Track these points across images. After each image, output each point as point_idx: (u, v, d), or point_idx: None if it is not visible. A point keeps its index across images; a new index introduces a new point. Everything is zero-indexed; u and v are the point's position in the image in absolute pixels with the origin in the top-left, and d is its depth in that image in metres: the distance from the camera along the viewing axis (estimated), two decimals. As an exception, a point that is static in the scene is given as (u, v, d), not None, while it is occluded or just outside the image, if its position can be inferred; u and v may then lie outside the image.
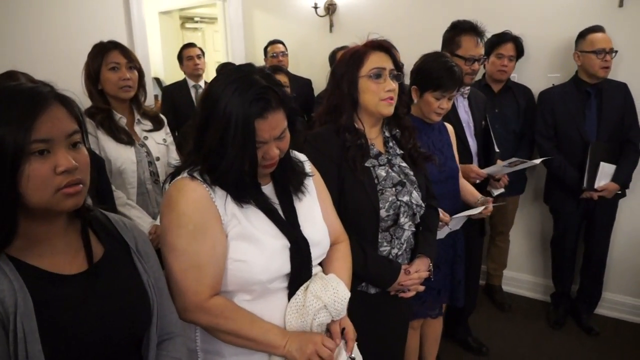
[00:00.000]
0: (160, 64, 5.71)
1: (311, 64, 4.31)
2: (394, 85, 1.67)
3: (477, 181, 2.57)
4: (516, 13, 3.29)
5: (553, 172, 3.04)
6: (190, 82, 4.09)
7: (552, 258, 3.30)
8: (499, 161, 2.72)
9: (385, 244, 1.73)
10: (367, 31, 3.81)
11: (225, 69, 3.95)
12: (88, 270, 1.03)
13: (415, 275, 1.74)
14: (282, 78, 3.22)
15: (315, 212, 1.44)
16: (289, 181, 1.39)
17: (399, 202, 1.69)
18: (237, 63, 4.32)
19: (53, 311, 0.94)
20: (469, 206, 2.28)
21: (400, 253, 1.76)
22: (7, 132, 0.88)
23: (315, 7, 4.17)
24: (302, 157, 1.50)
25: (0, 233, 0.91)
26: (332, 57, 3.74)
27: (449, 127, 2.28)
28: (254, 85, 1.21)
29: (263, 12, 4.63)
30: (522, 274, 3.63)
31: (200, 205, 1.24)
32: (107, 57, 2.13)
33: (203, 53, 4.19)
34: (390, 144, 1.78)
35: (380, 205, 1.67)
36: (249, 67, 1.30)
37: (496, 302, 3.49)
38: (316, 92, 4.13)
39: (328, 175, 1.56)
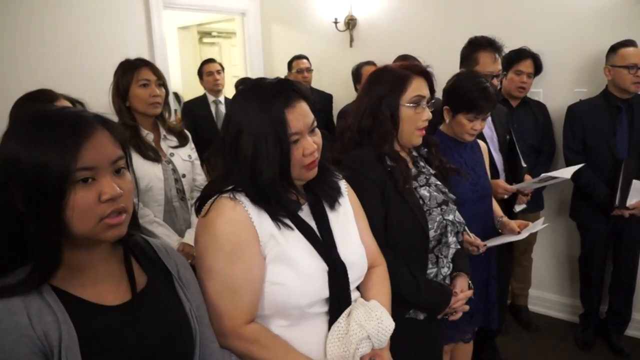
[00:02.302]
0: (178, 79, 5.73)
1: (332, 79, 4.30)
2: (430, 114, 1.64)
3: (505, 197, 2.52)
4: (539, 27, 3.25)
5: (582, 188, 2.97)
6: (210, 98, 4.09)
7: (580, 277, 3.22)
8: (527, 177, 2.67)
9: (431, 265, 1.68)
10: (387, 46, 3.83)
11: (243, 84, 3.96)
12: (132, 300, 0.99)
13: (462, 295, 1.70)
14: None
15: (351, 232, 1.40)
16: (325, 192, 1.35)
17: (445, 222, 1.66)
18: (255, 76, 4.36)
19: (97, 343, 0.90)
20: None
21: (448, 273, 1.71)
22: (51, 159, 0.85)
23: (336, 22, 4.16)
24: (337, 173, 1.46)
25: (45, 263, 0.89)
26: (356, 72, 3.72)
27: (482, 144, 2.24)
28: (269, 84, 1.23)
29: (282, 26, 4.64)
30: (548, 293, 3.55)
31: (238, 226, 1.21)
32: (137, 74, 2.13)
33: (223, 68, 4.19)
34: (421, 163, 1.75)
35: (429, 226, 1.63)
36: (256, 78, 1.32)
37: (522, 322, 3.41)
38: (336, 106, 4.12)
39: (372, 199, 1.53)
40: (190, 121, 3.92)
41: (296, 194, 1.28)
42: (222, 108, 4.07)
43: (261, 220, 1.23)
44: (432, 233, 1.63)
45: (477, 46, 2.52)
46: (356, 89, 3.88)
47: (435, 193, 1.69)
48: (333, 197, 1.37)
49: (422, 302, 1.63)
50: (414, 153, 1.75)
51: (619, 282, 3.06)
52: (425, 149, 1.76)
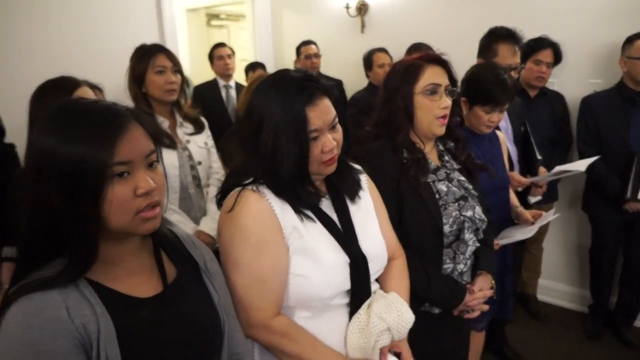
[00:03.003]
0: (187, 62, 5.69)
1: (342, 65, 4.27)
2: (449, 102, 1.61)
3: (519, 189, 2.51)
4: (556, 16, 3.21)
5: (594, 180, 2.96)
6: (221, 82, 4.07)
7: (590, 268, 3.22)
8: (542, 169, 2.66)
9: (448, 261, 1.67)
10: (399, 32, 3.79)
11: (253, 68, 3.91)
12: (163, 292, 1.00)
13: (479, 294, 1.69)
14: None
15: (372, 225, 1.41)
16: (345, 185, 1.36)
17: (462, 218, 1.64)
18: (265, 62, 4.34)
19: (133, 336, 0.91)
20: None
21: (465, 270, 1.70)
22: (88, 154, 0.85)
23: (347, 7, 4.12)
24: (358, 167, 1.47)
25: (82, 257, 0.89)
26: (368, 58, 3.69)
27: (501, 135, 2.22)
28: (293, 80, 1.22)
29: (292, 11, 4.59)
30: (557, 283, 3.56)
31: (263, 218, 1.22)
32: (153, 60, 2.12)
33: (233, 52, 4.16)
34: (446, 157, 1.73)
35: (444, 221, 1.62)
36: (282, 70, 1.30)
37: (531, 311, 3.43)
38: (347, 93, 4.09)
39: (386, 193, 1.52)
40: (201, 106, 3.89)
41: (314, 188, 1.29)
42: (233, 93, 4.05)
43: (284, 212, 1.24)
44: (447, 228, 1.62)
45: (497, 37, 2.48)
46: (367, 76, 3.86)
47: (454, 188, 1.67)
48: (354, 190, 1.38)
49: (433, 297, 1.62)
50: (441, 147, 1.74)
51: (629, 274, 3.06)
52: (452, 143, 1.74)
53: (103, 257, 0.93)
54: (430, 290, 1.59)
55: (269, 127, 1.19)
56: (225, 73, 4.05)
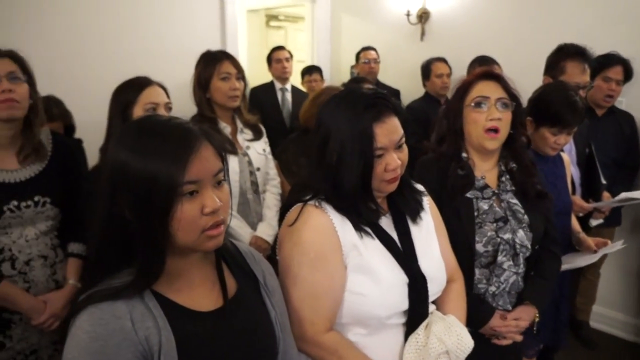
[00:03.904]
0: (245, 62, 5.77)
1: (398, 73, 4.23)
2: (499, 114, 1.59)
3: (580, 215, 2.42)
4: (627, 32, 3.07)
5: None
6: (278, 85, 4.11)
7: (649, 298, 3.08)
8: (606, 195, 2.56)
9: (484, 281, 1.65)
10: (460, 43, 3.73)
11: (310, 72, 3.92)
12: (224, 307, 1.02)
13: (512, 322, 1.64)
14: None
15: (432, 246, 1.40)
16: (407, 205, 1.36)
17: (498, 239, 1.61)
18: (322, 65, 4.36)
19: (193, 350, 0.94)
20: None
21: (498, 292, 1.66)
22: (161, 171, 0.87)
23: (408, 15, 4.08)
24: (420, 187, 1.46)
25: (150, 270, 0.92)
26: (426, 67, 3.65)
27: (565, 157, 2.15)
28: (363, 96, 1.23)
29: (352, 16, 4.59)
30: (612, 310, 3.41)
31: (322, 234, 1.24)
32: (219, 67, 2.17)
33: (291, 56, 4.19)
34: (503, 178, 1.69)
35: (477, 239, 1.60)
36: (353, 86, 1.31)
37: (582, 339, 3.30)
38: (403, 102, 4.05)
39: None
40: (257, 108, 3.95)
41: (375, 205, 1.29)
42: (289, 96, 4.09)
43: (344, 229, 1.25)
44: (480, 247, 1.60)
45: (565, 54, 2.40)
46: (424, 85, 3.81)
47: (496, 208, 1.64)
48: (415, 210, 1.38)
49: None
50: (502, 167, 1.71)
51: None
52: (515, 165, 1.70)
53: (167, 269, 0.96)
54: None
55: (336, 140, 1.21)
56: (283, 76, 4.09)
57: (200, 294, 1.01)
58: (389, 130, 1.22)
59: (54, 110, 2.50)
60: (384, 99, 1.24)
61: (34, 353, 1.70)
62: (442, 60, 3.71)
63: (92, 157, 2.51)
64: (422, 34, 4.10)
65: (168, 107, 1.80)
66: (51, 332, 1.70)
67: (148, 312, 0.91)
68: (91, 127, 2.67)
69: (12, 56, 1.65)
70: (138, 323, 0.89)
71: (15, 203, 1.64)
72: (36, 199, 1.69)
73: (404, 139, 1.26)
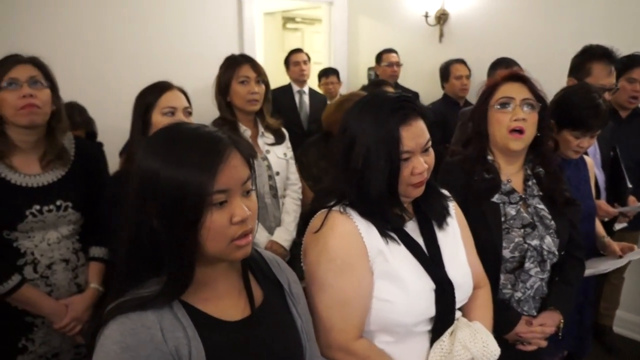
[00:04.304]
0: (262, 65, 5.79)
1: (417, 75, 4.21)
2: (524, 114, 1.57)
3: (605, 219, 2.37)
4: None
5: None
6: (295, 88, 4.11)
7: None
8: (632, 199, 2.50)
9: (509, 286, 1.62)
10: (480, 44, 3.69)
11: (327, 74, 3.91)
12: (251, 316, 1.01)
13: (538, 329, 1.62)
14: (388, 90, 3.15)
15: (459, 252, 1.38)
16: (433, 210, 1.34)
17: (526, 245, 1.58)
18: (339, 67, 4.35)
19: (220, 359, 0.93)
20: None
21: (523, 298, 1.64)
22: (190, 180, 0.87)
23: (426, 16, 4.05)
24: (445, 192, 1.44)
25: (179, 280, 0.91)
26: (445, 69, 3.62)
27: (589, 160, 2.10)
28: (388, 99, 1.23)
29: (369, 18, 4.57)
30: (636, 315, 3.34)
31: (349, 240, 1.22)
32: (238, 70, 2.17)
33: (309, 59, 4.19)
34: (530, 182, 1.67)
35: (504, 245, 1.57)
36: (378, 90, 1.30)
37: (604, 344, 3.23)
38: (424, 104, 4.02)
39: None
40: (275, 110, 3.96)
41: (401, 210, 1.28)
42: (306, 98, 4.08)
43: (370, 235, 1.23)
44: (507, 253, 1.57)
45: (591, 56, 2.36)
46: (443, 87, 3.78)
47: (524, 214, 1.61)
48: (441, 216, 1.36)
49: None
50: (528, 171, 1.68)
51: None
52: (541, 169, 1.67)
53: (195, 278, 0.94)
54: None
55: (361, 144, 1.20)
56: (301, 79, 4.09)
57: (227, 303, 1.00)
58: (416, 134, 1.20)
59: (77, 118, 2.53)
60: (409, 102, 1.23)
61: (56, 357, 1.72)
62: (462, 61, 3.67)
63: (112, 162, 2.54)
64: (441, 35, 4.07)
65: (187, 111, 1.79)
66: (72, 336, 1.72)
67: (177, 322, 0.90)
68: (111, 132, 2.72)
69: (34, 62, 1.67)
70: (168, 333, 0.88)
71: (38, 207, 1.66)
72: (58, 203, 1.70)
73: (430, 143, 1.25)
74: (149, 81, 1.82)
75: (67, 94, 1.93)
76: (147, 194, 0.89)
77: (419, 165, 1.21)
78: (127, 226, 0.93)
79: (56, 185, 1.71)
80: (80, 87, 2.73)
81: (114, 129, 2.73)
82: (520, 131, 1.57)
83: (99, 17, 3.21)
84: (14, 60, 1.63)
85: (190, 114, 1.80)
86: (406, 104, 1.21)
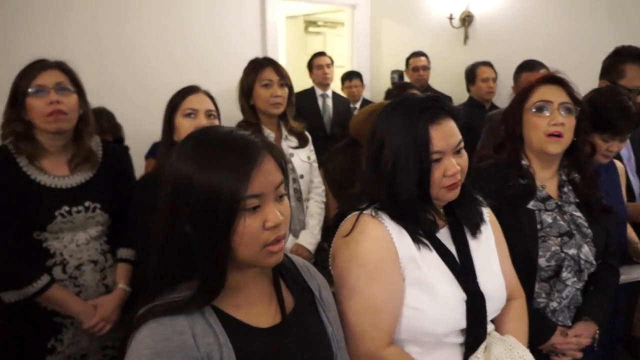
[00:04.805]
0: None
1: (442, 78, 4.17)
2: (562, 119, 1.53)
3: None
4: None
5: None
6: (318, 91, 4.11)
7: None
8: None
9: (543, 295, 1.58)
10: (505, 45, 3.64)
11: (350, 77, 3.89)
12: (282, 323, 1.00)
13: (573, 340, 1.57)
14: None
15: (492, 261, 1.34)
16: (467, 216, 1.31)
17: (563, 255, 1.54)
18: (361, 70, 4.34)
19: None
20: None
21: (559, 308, 1.59)
22: (224, 185, 0.86)
23: (450, 18, 4.02)
24: (481, 198, 1.41)
25: (211, 285, 0.90)
26: (471, 72, 3.59)
27: (619, 165, 2.06)
28: (417, 100, 1.22)
29: (392, 20, 4.55)
30: (669, 325, 3.24)
31: (380, 245, 1.20)
32: (261, 73, 2.18)
33: (332, 62, 4.19)
34: (565, 189, 1.63)
35: (540, 254, 1.53)
36: (407, 94, 1.29)
37: (637, 357, 3.14)
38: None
39: None
40: (298, 114, 3.97)
41: (434, 214, 1.25)
42: (329, 102, 4.08)
43: (402, 241, 1.21)
44: (543, 262, 1.53)
45: (624, 57, 2.30)
46: (468, 90, 3.74)
47: (561, 222, 1.57)
48: (475, 223, 1.32)
49: None
50: (563, 177, 1.64)
51: None
52: (577, 175, 1.64)
53: (227, 284, 0.94)
54: None
55: (390, 146, 1.18)
56: (324, 82, 4.09)
57: (258, 309, 0.99)
58: (446, 133, 1.18)
59: (105, 124, 2.57)
60: (438, 102, 1.21)
61: (84, 357, 1.73)
62: (488, 64, 3.64)
63: (138, 166, 2.57)
64: (466, 37, 4.04)
65: (209, 114, 1.77)
66: (101, 336, 1.73)
67: (209, 328, 0.90)
68: (137, 137, 2.76)
69: (60, 67, 1.69)
70: (200, 339, 0.88)
71: (67, 208, 1.68)
72: (87, 204, 1.72)
73: (462, 144, 1.22)
74: (173, 86, 1.83)
75: (95, 100, 1.96)
76: (179, 198, 0.89)
77: (451, 167, 1.18)
78: (160, 230, 0.92)
79: (84, 186, 1.73)
80: (106, 93, 2.77)
81: (139, 134, 2.78)
82: (558, 135, 1.54)
83: (123, 24, 3.26)
84: (41, 66, 1.65)
85: (214, 117, 1.80)
86: (434, 103, 1.20)
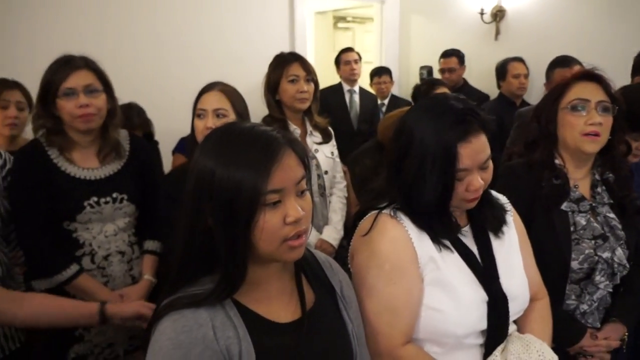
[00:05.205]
0: (312, 65, 5.81)
1: (472, 74, 4.11)
2: (600, 118, 1.48)
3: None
4: None
5: None
6: (346, 87, 4.10)
7: None
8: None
9: (573, 297, 1.55)
10: (537, 41, 3.55)
11: (379, 73, 3.85)
12: (302, 319, 1.00)
13: (603, 342, 1.54)
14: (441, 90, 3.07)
15: (515, 261, 1.32)
16: (487, 221, 1.28)
17: (596, 258, 1.50)
18: (390, 66, 4.30)
19: None
20: None
21: (589, 311, 1.56)
22: (245, 180, 0.86)
23: (481, 13, 3.95)
24: (502, 198, 1.38)
25: (232, 279, 0.91)
26: (502, 68, 3.52)
27: (646, 164, 1.99)
28: (451, 109, 1.15)
29: (422, 16, 4.50)
30: None
31: (398, 246, 1.19)
32: (287, 69, 2.18)
33: (360, 58, 4.17)
34: (599, 189, 1.58)
35: (573, 256, 1.49)
36: (442, 95, 1.24)
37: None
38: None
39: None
40: (325, 109, 3.96)
41: (451, 221, 1.23)
42: (356, 98, 4.07)
43: (421, 241, 1.20)
44: (575, 265, 1.50)
45: None
46: (499, 86, 3.67)
47: (595, 224, 1.53)
48: (497, 224, 1.30)
49: None
50: (597, 176, 1.60)
51: None
52: (611, 175, 1.59)
53: (247, 278, 0.94)
54: None
55: (416, 154, 1.15)
56: (351, 78, 4.07)
57: (278, 304, 0.99)
58: (475, 151, 1.14)
59: (135, 120, 2.61)
60: (473, 115, 1.15)
61: (110, 346, 1.77)
62: (520, 60, 3.56)
63: (167, 162, 2.61)
64: (497, 33, 3.96)
65: (217, 113, 1.71)
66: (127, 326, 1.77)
67: (229, 321, 0.91)
68: (165, 133, 2.80)
69: (88, 66, 1.71)
70: (219, 332, 0.89)
71: (95, 199, 1.72)
72: (114, 195, 1.76)
73: (489, 159, 1.18)
74: (201, 83, 1.83)
75: (126, 96, 1.99)
76: (202, 193, 0.90)
77: (475, 182, 1.16)
78: (183, 224, 0.94)
79: (112, 178, 1.77)
80: (136, 89, 2.82)
81: (168, 130, 2.82)
82: (595, 134, 1.49)
83: (153, 21, 3.31)
84: (70, 66, 1.67)
85: (224, 116, 1.72)
86: (469, 117, 1.14)
